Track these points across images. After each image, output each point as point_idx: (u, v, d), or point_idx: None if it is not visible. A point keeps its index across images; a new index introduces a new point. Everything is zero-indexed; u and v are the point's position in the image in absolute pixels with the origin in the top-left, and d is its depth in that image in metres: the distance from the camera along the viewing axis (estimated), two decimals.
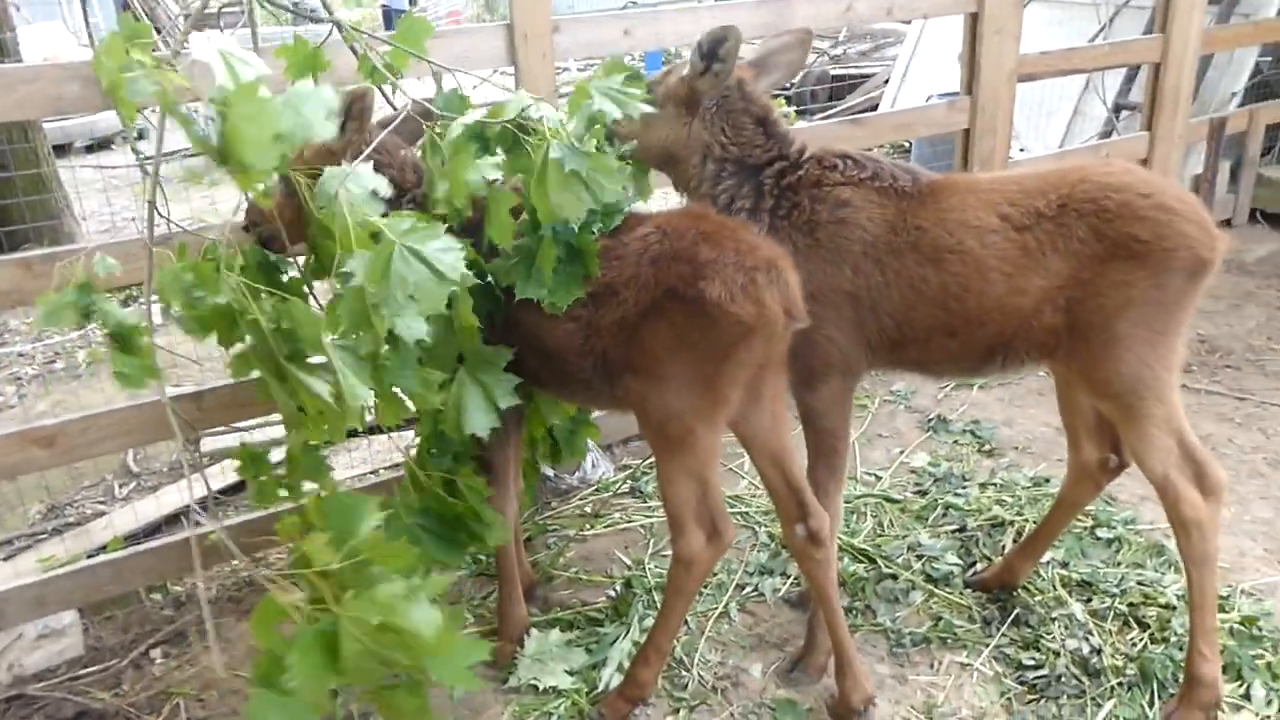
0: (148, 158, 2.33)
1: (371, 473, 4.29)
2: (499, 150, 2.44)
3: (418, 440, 2.90)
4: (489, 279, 2.65)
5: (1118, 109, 6.86)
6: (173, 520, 4.05)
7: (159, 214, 2.44)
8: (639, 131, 2.81)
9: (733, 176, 2.83)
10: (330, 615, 2.03)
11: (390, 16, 16.28)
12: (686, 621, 3.20)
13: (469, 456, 3.05)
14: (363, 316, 2.17)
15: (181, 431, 2.56)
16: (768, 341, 2.51)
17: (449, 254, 2.18)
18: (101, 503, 4.37)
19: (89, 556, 3.62)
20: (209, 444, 4.56)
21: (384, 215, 2.26)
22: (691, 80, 2.81)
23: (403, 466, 2.79)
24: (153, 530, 4.00)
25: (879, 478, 4.09)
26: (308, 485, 2.83)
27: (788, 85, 10.24)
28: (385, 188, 2.32)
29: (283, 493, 2.86)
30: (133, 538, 3.88)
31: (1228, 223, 6.77)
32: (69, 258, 2.55)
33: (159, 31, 2.46)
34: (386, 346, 2.24)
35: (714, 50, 2.75)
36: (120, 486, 4.48)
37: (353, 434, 3.05)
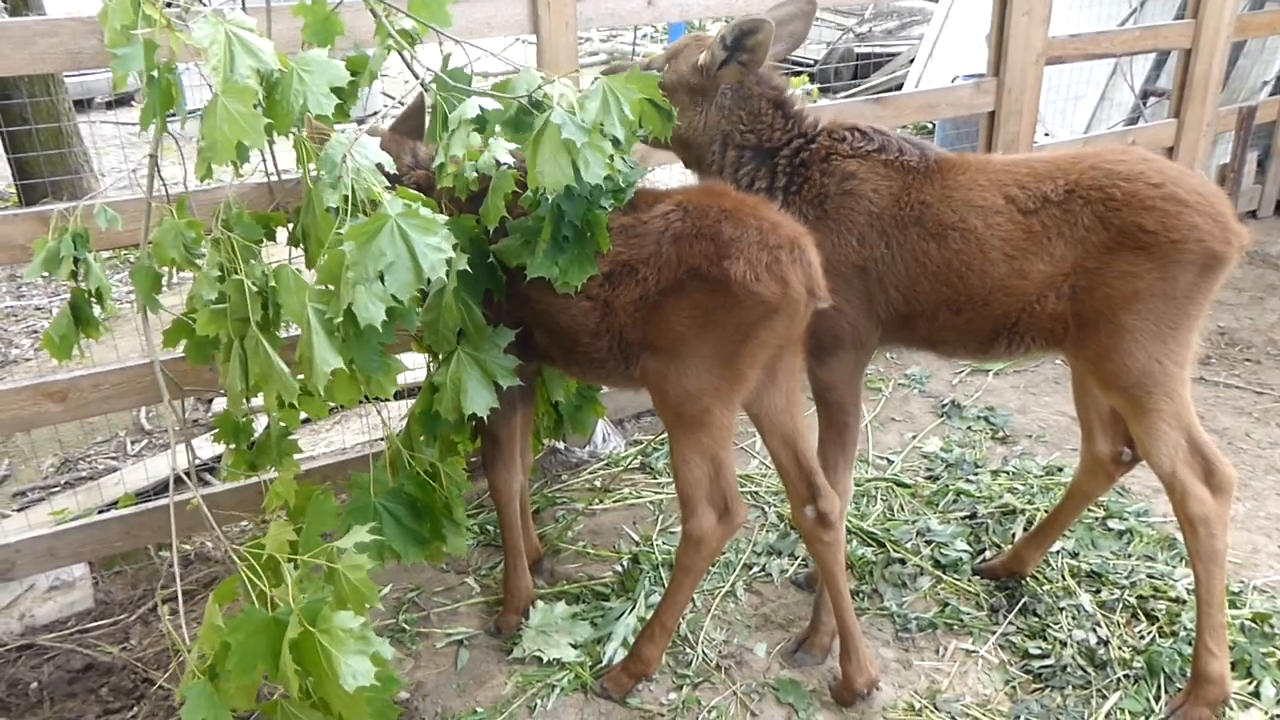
0: (170, 113, 2.30)
1: (380, 439, 4.28)
2: (497, 127, 2.40)
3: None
4: (490, 258, 2.61)
5: (1145, 95, 6.77)
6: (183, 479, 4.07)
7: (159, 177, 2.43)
8: None
9: (752, 161, 2.80)
10: (282, 607, 2.02)
11: None
12: (692, 599, 3.20)
13: (467, 438, 3.02)
14: (335, 278, 2.15)
15: (171, 393, 2.56)
16: (790, 321, 2.48)
17: (435, 252, 2.14)
18: (114, 459, 4.40)
19: (100, 511, 3.65)
20: (221, 404, 4.57)
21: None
22: (710, 69, 2.73)
23: (385, 441, 2.76)
24: (163, 488, 4.02)
25: (891, 461, 4.07)
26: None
27: (812, 62, 10.16)
28: (390, 163, 2.29)
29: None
30: (143, 495, 3.91)
31: (1253, 214, 6.69)
32: (76, 209, 2.55)
33: None
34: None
35: (740, 42, 2.66)
36: (132, 443, 4.50)
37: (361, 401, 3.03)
